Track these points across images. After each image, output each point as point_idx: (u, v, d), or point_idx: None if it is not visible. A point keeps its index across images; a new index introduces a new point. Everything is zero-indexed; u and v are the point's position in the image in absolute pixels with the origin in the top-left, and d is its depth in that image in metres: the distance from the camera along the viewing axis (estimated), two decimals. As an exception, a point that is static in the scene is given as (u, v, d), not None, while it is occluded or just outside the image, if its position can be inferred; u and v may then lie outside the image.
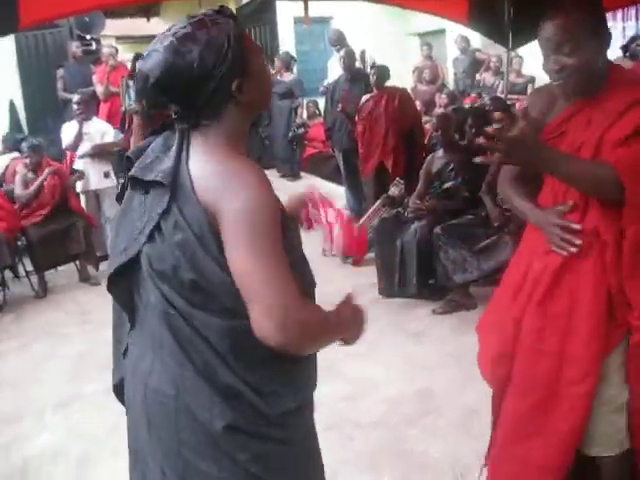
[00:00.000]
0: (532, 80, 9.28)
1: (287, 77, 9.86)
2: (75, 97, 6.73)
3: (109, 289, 1.62)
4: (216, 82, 1.44)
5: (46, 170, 6.07)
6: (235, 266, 1.38)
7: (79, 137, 6.40)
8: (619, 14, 8.48)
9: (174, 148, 1.50)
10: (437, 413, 3.47)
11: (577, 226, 2.02)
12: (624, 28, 9.17)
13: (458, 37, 10.15)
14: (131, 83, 4.16)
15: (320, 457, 1.70)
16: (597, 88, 2.03)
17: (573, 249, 2.01)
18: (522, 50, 7.53)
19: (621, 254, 1.99)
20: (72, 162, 6.64)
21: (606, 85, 2.03)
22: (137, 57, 9.21)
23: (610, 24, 7.32)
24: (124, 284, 1.58)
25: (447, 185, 5.15)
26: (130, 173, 1.56)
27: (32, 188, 6.03)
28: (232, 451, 1.47)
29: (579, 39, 1.95)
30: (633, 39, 8.31)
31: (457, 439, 3.23)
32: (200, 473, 1.49)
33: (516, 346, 2.17)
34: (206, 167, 1.45)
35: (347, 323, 1.58)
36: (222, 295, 1.43)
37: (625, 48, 8.26)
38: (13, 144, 8.02)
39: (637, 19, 8.95)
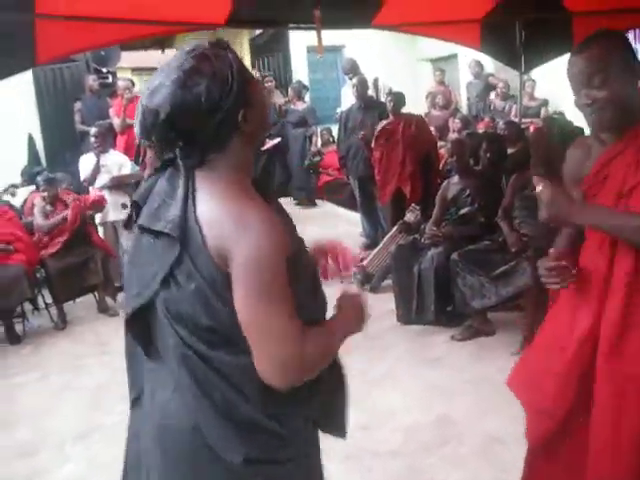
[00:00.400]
0: (545, 103, 9.30)
1: (300, 106, 9.94)
2: (92, 130, 6.81)
3: (127, 329, 1.63)
4: (223, 114, 1.45)
5: (68, 210, 6.14)
6: (240, 314, 1.42)
7: (97, 169, 6.46)
8: (631, 35, 8.50)
9: (180, 192, 1.49)
10: (457, 441, 3.43)
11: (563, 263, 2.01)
12: (637, 50, 9.17)
13: (472, 62, 10.19)
14: None
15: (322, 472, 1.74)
16: (634, 125, 1.98)
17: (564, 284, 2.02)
18: (535, 73, 7.56)
19: None
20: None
21: (637, 121, 1.99)
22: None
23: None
24: (141, 324, 1.59)
25: (463, 211, 5.14)
26: (139, 222, 1.56)
27: (55, 219, 6.08)
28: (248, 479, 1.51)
29: (609, 71, 1.92)
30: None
31: (477, 467, 3.19)
32: None
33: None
34: (214, 210, 1.45)
35: (349, 321, 1.63)
36: (239, 337, 1.44)
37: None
38: (31, 177, 8.12)
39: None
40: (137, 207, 1.59)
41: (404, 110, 6.88)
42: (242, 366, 1.46)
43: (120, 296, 6.47)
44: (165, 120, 1.43)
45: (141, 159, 4.38)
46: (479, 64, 10.23)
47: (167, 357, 1.54)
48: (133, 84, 9.15)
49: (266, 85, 8.92)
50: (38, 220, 6.13)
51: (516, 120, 7.07)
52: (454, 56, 11.51)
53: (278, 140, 8.63)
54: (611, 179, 2.01)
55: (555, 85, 8.82)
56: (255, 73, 11.57)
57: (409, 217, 6.08)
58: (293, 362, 1.42)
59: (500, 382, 3.95)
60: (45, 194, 6.20)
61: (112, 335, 5.61)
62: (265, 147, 8.28)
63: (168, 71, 1.45)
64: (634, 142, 1.98)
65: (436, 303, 4.84)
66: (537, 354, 2.32)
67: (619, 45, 2.00)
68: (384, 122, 6.82)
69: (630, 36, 8.57)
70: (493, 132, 6.68)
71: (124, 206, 6.59)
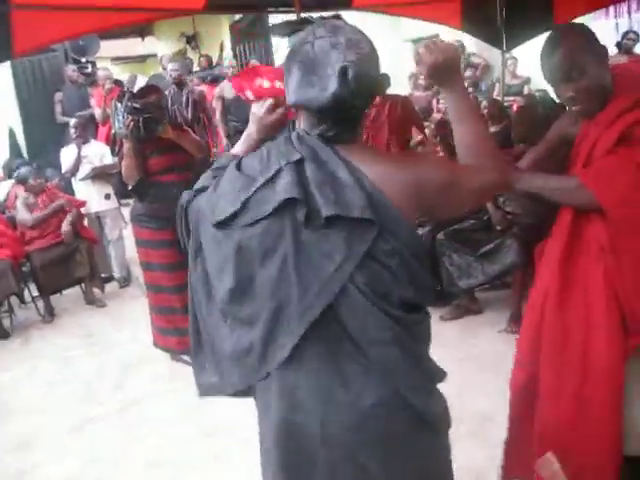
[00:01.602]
0: (528, 81, 9.29)
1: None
2: (72, 121, 6.77)
3: (314, 332, 1.48)
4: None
5: (55, 203, 6.10)
6: (466, 181, 1.57)
7: (78, 161, 6.42)
8: (611, 10, 8.48)
9: (344, 174, 1.46)
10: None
11: None
12: (617, 24, 9.17)
13: (454, 42, 10.16)
14: (119, 105, 4.15)
15: None
16: (606, 103, 2.07)
17: None
18: (517, 51, 7.54)
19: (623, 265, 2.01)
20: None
21: (611, 97, 2.07)
22: (135, 78, 9.28)
23: (603, 21, 7.31)
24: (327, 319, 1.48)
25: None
26: (326, 213, 1.42)
27: (39, 214, 6.04)
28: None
29: (583, 61, 2.01)
30: (625, 34, 8.33)
31: (472, 446, 3.20)
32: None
33: (537, 356, 2.19)
34: (384, 174, 1.49)
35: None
36: (428, 297, 1.59)
37: (619, 44, 8.28)
38: (13, 171, 8.05)
39: (629, 14, 8.95)
40: (298, 202, 1.46)
41: (388, 91, 6.85)
42: (427, 325, 1.59)
43: (108, 286, 6.46)
44: (367, 89, 1.49)
45: (117, 150, 4.33)
46: (460, 44, 10.20)
47: (362, 340, 1.48)
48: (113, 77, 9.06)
49: None
50: (22, 214, 6.07)
51: (499, 98, 7.07)
52: (435, 36, 11.45)
53: None
54: (579, 158, 2.11)
55: (537, 63, 8.84)
56: (238, 58, 11.52)
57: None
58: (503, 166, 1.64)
59: (489, 359, 4.01)
60: (34, 182, 6.16)
61: (100, 326, 5.62)
62: None
63: (363, 41, 1.49)
64: (599, 123, 2.07)
65: (424, 283, 4.85)
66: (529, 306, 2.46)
67: (582, 34, 2.09)
68: (369, 104, 6.79)
69: (611, 11, 8.57)
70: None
71: (107, 197, 6.57)
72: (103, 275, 6.49)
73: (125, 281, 6.65)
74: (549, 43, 2.08)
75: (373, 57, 1.49)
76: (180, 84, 7.77)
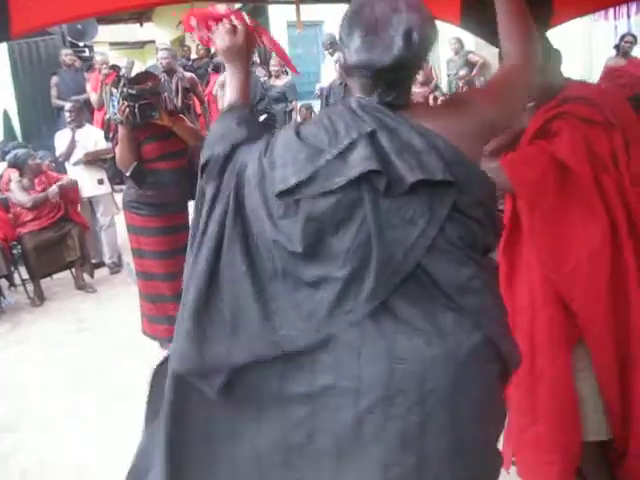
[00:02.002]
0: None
1: (280, 81, 9.86)
2: (67, 105, 6.74)
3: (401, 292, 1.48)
4: None
5: (54, 187, 6.09)
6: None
7: (72, 145, 6.40)
8: (610, 13, 8.49)
9: (417, 138, 1.47)
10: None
11: None
12: (616, 27, 9.20)
13: (452, 39, 10.16)
14: (114, 91, 4.12)
15: None
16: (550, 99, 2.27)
17: None
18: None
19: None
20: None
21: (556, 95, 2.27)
22: (132, 64, 9.24)
23: (602, 23, 7.33)
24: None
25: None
26: (412, 179, 1.43)
27: (39, 195, 6.03)
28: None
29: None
30: (623, 37, 8.34)
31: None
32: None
33: None
34: (452, 130, 1.51)
35: None
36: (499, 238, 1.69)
37: (617, 47, 8.29)
38: (6, 153, 8.01)
39: (629, 17, 8.97)
40: (377, 173, 1.45)
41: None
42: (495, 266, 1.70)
43: (98, 272, 6.45)
44: (426, 52, 1.51)
45: (111, 136, 4.30)
46: (459, 41, 10.21)
47: (455, 291, 1.49)
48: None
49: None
50: (18, 196, 6.04)
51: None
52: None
53: (264, 117, 8.50)
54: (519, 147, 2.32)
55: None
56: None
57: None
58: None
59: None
60: (32, 163, 6.15)
61: (90, 312, 5.61)
62: None
63: (421, 4, 1.52)
64: (535, 117, 2.27)
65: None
66: None
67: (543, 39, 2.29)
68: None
69: (610, 14, 8.59)
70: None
71: (100, 182, 6.55)
72: (94, 261, 6.48)
73: (116, 267, 6.64)
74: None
75: (433, 20, 1.52)
76: (170, 72, 7.75)
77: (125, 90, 4.05)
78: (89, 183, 6.51)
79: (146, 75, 4.49)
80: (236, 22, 1.81)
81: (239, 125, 1.69)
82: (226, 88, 1.81)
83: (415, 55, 1.48)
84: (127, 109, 4.02)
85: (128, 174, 4.24)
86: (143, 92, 4.06)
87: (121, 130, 4.13)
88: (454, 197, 1.46)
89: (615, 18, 8.98)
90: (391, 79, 1.51)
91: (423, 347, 1.45)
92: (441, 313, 1.48)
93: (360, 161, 1.44)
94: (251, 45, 1.83)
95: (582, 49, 8.90)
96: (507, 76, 1.69)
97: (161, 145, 4.26)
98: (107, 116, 4.59)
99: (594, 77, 8.84)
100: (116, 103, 4.14)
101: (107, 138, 4.48)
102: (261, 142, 1.62)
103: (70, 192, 6.29)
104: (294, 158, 1.51)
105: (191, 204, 4.12)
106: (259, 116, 8.26)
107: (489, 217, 1.55)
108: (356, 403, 1.46)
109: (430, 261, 1.46)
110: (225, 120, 1.73)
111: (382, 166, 1.43)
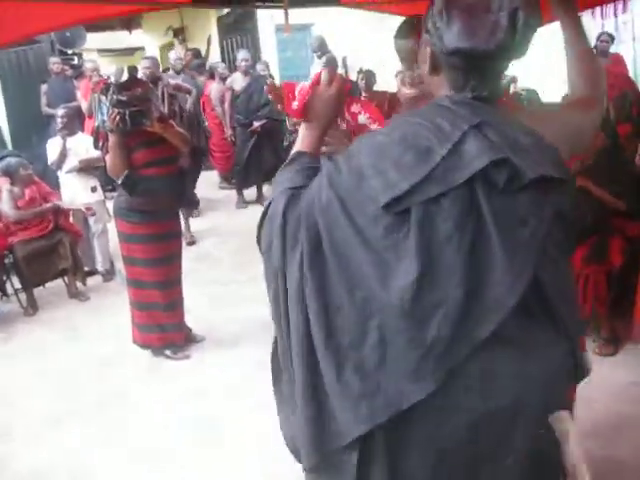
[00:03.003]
0: (514, 80, 9.31)
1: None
2: (60, 111, 6.71)
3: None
4: None
5: (46, 206, 6.08)
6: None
7: (63, 153, 6.38)
8: (598, 12, 8.52)
9: (522, 135, 1.38)
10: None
11: None
12: (603, 25, 9.22)
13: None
14: (104, 98, 4.10)
15: None
16: None
17: None
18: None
19: None
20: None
21: None
22: (131, 69, 9.19)
23: (590, 22, 7.31)
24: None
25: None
26: (532, 175, 1.32)
27: (25, 213, 6.00)
28: None
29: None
30: (599, 36, 8.36)
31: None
32: None
33: None
34: (548, 132, 1.43)
35: None
36: None
37: (595, 47, 8.33)
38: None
39: (615, 16, 8.99)
40: (495, 166, 1.32)
41: (375, 88, 6.88)
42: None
43: (91, 280, 6.44)
44: (529, 39, 1.40)
45: (101, 144, 4.26)
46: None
47: (554, 296, 1.39)
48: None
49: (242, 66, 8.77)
50: (5, 206, 6.01)
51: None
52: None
53: (264, 122, 8.47)
54: None
55: (523, 62, 8.86)
56: (225, 52, 11.48)
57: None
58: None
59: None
60: (24, 173, 6.13)
61: (82, 320, 5.59)
62: (252, 128, 8.18)
63: None
64: None
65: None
66: None
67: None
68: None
69: (597, 12, 8.61)
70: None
71: (93, 189, 6.53)
72: (86, 268, 6.46)
73: (108, 274, 6.62)
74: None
75: (537, 5, 1.43)
76: (154, 80, 7.74)
77: (114, 97, 4.03)
78: (82, 191, 6.48)
79: (135, 81, 4.48)
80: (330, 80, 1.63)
81: (298, 173, 1.53)
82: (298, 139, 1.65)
83: (518, 41, 1.36)
84: (117, 116, 4.00)
85: (120, 182, 4.23)
86: (133, 98, 4.05)
87: (111, 138, 4.11)
88: (560, 197, 1.39)
89: (602, 17, 9.00)
90: (489, 70, 1.41)
91: (520, 370, 1.36)
92: (539, 327, 1.38)
93: (478, 153, 1.31)
94: (339, 102, 1.65)
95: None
96: (583, 104, 1.64)
97: (152, 152, 4.26)
98: (96, 124, 4.55)
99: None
100: (105, 110, 4.12)
101: (96, 147, 4.45)
102: (320, 175, 1.45)
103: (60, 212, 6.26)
104: (397, 162, 1.33)
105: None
106: (261, 121, 8.27)
107: (574, 219, 1.49)
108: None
109: (540, 265, 1.35)
110: (285, 170, 1.57)
111: (504, 157, 1.31)
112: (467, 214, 1.30)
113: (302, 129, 1.63)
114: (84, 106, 8.43)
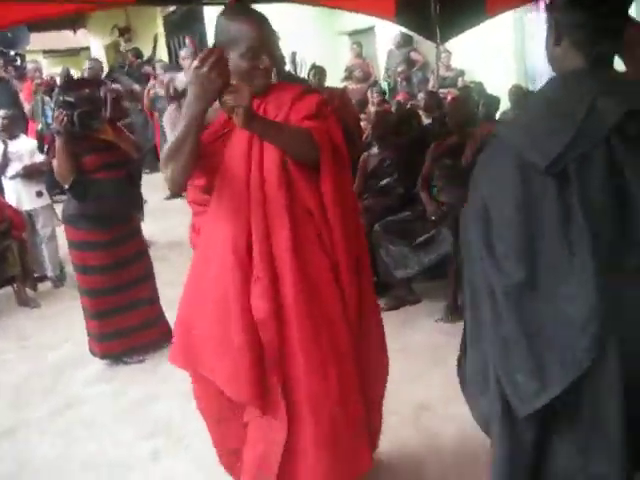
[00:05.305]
0: (462, 73, 9.42)
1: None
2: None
3: None
4: None
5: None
6: None
7: (5, 157, 6.20)
8: (542, 4, 8.65)
9: None
10: (386, 410, 3.46)
11: None
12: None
13: (398, 34, 10.13)
14: (48, 100, 3.99)
15: None
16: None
17: None
18: (450, 44, 7.64)
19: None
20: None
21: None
22: (68, 71, 9.04)
23: (535, 14, 7.45)
24: None
25: (383, 183, 5.19)
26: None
27: None
28: None
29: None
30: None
31: (409, 435, 3.23)
32: None
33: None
34: None
35: None
36: None
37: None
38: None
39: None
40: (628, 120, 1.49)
41: (325, 84, 6.87)
42: None
43: (41, 286, 6.30)
44: None
45: (47, 147, 4.14)
46: (404, 37, 10.14)
47: None
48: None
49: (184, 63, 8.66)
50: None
51: (434, 90, 7.16)
52: (371, 29, 11.52)
53: None
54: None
55: (471, 55, 8.98)
56: (171, 51, 11.35)
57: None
58: None
59: (425, 349, 4.06)
60: None
61: (33, 328, 5.46)
62: None
63: None
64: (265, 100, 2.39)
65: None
66: None
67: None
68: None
69: (541, 5, 8.75)
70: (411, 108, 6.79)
71: (39, 194, 6.38)
72: (36, 275, 6.32)
73: (59, 280, 6.48)
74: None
75: None
76: (97, 83, 7.62)
77: (61, 98, 3.91)
78: (27, 196, 6.33)
79: (82, 81, 4.38)
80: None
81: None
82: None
83: None
84: (64, 118, 3.88)
85: (67, 187, 4.11)
86: (81, 99, 3.93)
87: (58, 141, 3.97)
88: None
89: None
90: (616, 27, 1.53)
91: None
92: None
93: (615, 108, 1.46)
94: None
95: (515, 41, 9.04)
96: None
97: (102, 156, 4.14)
98: (39, 127, 4.42)
99: (527, 65, 9.04)
100: (49, 112, 4.00)
101: (41, 150, 4.30)
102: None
103: (15, 218, 6.09)
104: (549, 128, 1.53)
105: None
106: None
107: None
108: None
109: None
110: None
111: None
112: (611, 166, 1.46)
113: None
114: (27, 109, 8.24)
